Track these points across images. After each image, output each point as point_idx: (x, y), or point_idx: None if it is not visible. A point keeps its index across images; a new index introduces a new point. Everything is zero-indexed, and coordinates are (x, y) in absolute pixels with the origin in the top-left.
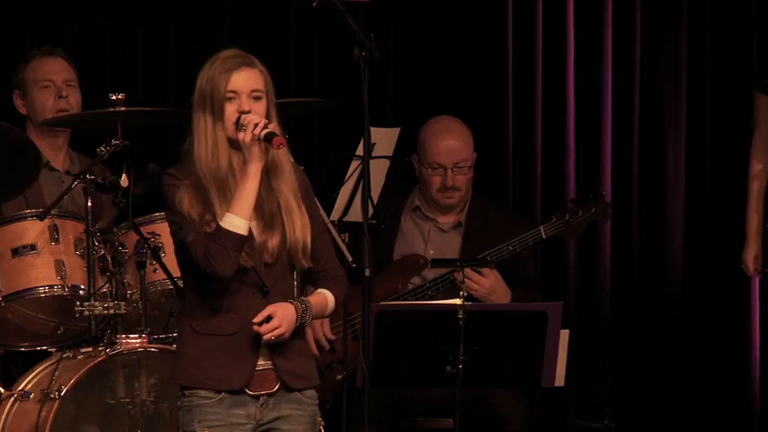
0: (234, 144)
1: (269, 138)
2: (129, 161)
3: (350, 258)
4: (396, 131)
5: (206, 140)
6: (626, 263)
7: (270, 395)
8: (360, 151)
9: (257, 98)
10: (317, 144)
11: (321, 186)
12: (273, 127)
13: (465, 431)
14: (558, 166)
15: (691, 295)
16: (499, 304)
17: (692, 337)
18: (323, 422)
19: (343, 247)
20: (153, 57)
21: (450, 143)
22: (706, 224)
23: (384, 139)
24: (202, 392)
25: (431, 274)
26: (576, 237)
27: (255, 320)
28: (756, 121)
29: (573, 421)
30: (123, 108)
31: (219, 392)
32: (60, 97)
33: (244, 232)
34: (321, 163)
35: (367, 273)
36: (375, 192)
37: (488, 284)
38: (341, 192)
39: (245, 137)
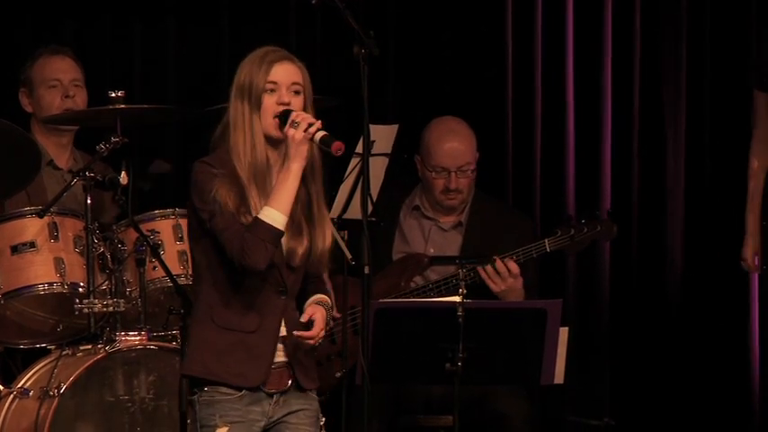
0: (269, 139)
1: (327, 142)
2: (129, 158)
3: (349, 256)
4: (395, 129)
5: (244, 132)
6: (626, 260)
7: (282, 393)
8: (359, 149)
9: (297, 92)
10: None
11: None
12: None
13: (465, 428)
14: (557, 167)
15: (690, 293)
16: (498, 302)
17: (692, 334)
18: (323, 419)
19: (343, 245)
20: (152, 54)
21: (454, 146)
22: (705, 223)
23: (383, 136)
24: (223, 389)
25: (433, 274)
26: (578, 252)
27: (303, 320)
28: (755, 119)
29: (572, 419)
30: (123, 105)
31: (240, 389)
32: (67, 97)
33: (281, 227)
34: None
35: (366, 270)
36: (374, 189)
37: (511, 283)
38: (340, 189)
39: (296, 134)
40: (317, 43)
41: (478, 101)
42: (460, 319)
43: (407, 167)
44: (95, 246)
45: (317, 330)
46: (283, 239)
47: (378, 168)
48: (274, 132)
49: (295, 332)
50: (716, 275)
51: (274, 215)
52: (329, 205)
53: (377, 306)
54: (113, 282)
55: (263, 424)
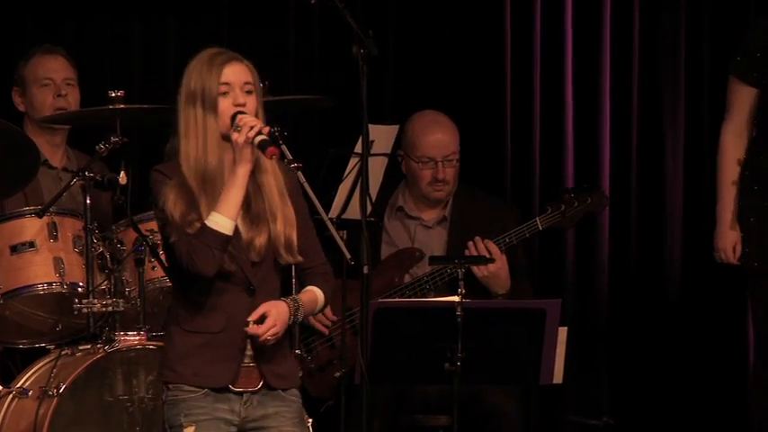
0: (227, 139)
1: (263, 146)
2: (128, 158)
3: (348, 255)
4: (394, 129)
5: (196, 138)
6: (624, 260)
7: (253, 393)
8: (358, 149)
9: (249, 92)
10: (316, 141)
11: (320, 183)
12: (267, 132)
13: (460, 427)
14: (556, 165)
15: (689, 293)
16: (497, 301)
17: (690, 334)
18: (310, 419)
19: (342, 245)
20: (152, 54)
21: (439, 137)
22: (704, 223)
23: (382, 136)
24: (186, 387)
25: (420, 270)
26: (574, 226)
27: (251, 319)
28: (731, 110)
29: (571, 418)
30: (122, 105)
31: (203, 387)
32: (59, 95)
33: (228, 232)
34: (320, 159)
35: (365, 270)
36: (373, 189)
37: (493, 268)
38: (339, 189)
39: (238, 137)
40: (316, 43)
41: (478, 101)
42: (459, 319)
43: (392, 167)
44: (94, 246)
45: (265, 327)
46: (242, 231)
47: (377, 168)
48: (229, 132)
49: (246, 328)
50: (714, 275)
51: (221, 221)
52: (328, 205)
53: (376, 306)
54: (112, 282)
55: (236, 422)
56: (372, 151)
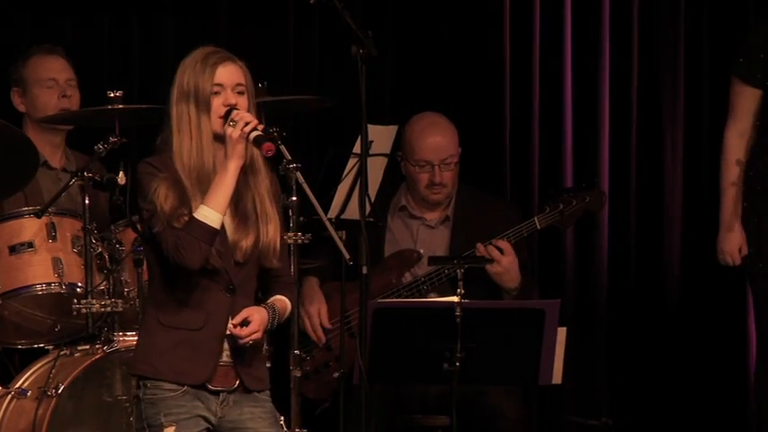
0: (219, 139)
1: (259, 141)
2: (127, 159)
3: (347, 256)
4: (393, 129)
5: (189, 136)
6: (623, 260)
7: (229, 392)
8: (357, 149)
9: (241, 93)
10: (315, 141)
11: (318, 183)
12: (262, 129)
13: (459, 427)
14: (555, 166)
15: (688, 293)
16: (496, 302)
17: (690, 334)
18: (281, 417)
19: (340, 245)
20: (151, 54)
21: (436, 140)
22: (703, 224)
23: (381, 136)
24: (166, 385)
25: (421, 270)
26: (572, 225)
27: (234, 322)
28: (735, 112)
29: (570, 418)
30: (121, 105)
31: (182, 385)
32: (64, 96)
33: (216, 226)
34: (319, 159)
35: (364, 270)
36: (372, 190)
37: (506, 263)
38: (338, 189)
39: (233, 132)
40: (315, 43)
41: (477, 101)
42: (458, 320)
43: (391, 168)
44: (93, 246)
45: (248, 331)
46: (229, 232)
47: (376, 169)
48: (221, 130)
49: (230, 328)
50: (714, 274)
51: (209, 214)
52: (327, 205)
53: (374, 306)
54: (111, 282)
55: (212, 421)
56: (371, 151)
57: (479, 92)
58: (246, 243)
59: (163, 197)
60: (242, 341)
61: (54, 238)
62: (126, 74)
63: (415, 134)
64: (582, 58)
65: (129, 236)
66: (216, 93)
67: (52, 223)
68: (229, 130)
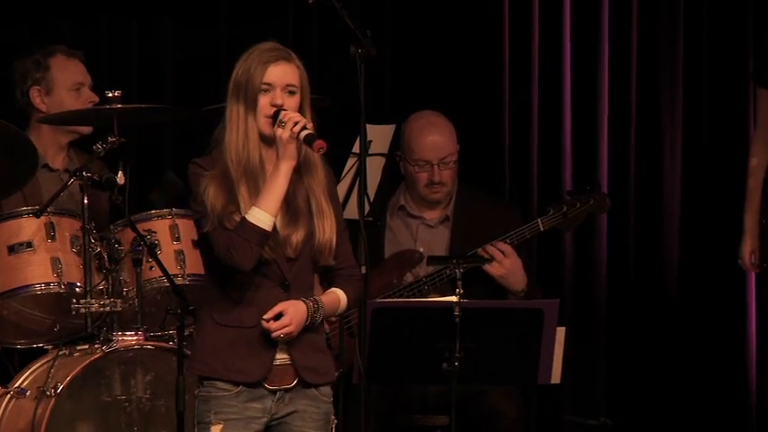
0: (264, 138)
1: (309, 140)
2: (126, 158)
3: None
4: (392, 129)
5: (237, 131)
6: (623, 260)
7: (287, 390)
8: (356, 148)
9: (291, 92)
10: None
11: None
12: (312, 127)
13: (459, 427)
14: (554, 166)
15: (687, 292)
16: (496, 301)
17: (689, 333)
18: (335, 420)
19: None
20: (149, 53)
21: (435, 139)
22: (702, 222)
23: (379, 136)
24: (220, 384)
25: (422, 270)
26: (575, 228)
27: (266, 317)
28: (758, 117)
29: (569, 418)
30: (120, 105)
31: (237, 385)
32: (90, 102)
33: (268, 228)
34: None
35: (363, 270)
36: (371, 189)
37: (508, 264)
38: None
39: (282, 133)
40: (313, 43)
41: (476, 101)
42: (457, 319)
43: (390, 167)
44: (92, 246)
45: (279, 324)
46: (279, 227)
47: (374, 168)
48: (268, 131)
49: (262, 322)
50: (713, 274)
51: (261, 216)
52: None
53: (374, 306)
54: (110, 282)
55: (264, 421)
56: (370, 151)
57: (478, 92)
58: (297, 238)
59: (213, 197)
60: (273, 335)
61: (53, 238)
62: (125, 74)
63: (413, 133)
64: (581, 58)
65: (128, 235)
66: (264, 90)
67: (51, 223)
68: (279, 131)
